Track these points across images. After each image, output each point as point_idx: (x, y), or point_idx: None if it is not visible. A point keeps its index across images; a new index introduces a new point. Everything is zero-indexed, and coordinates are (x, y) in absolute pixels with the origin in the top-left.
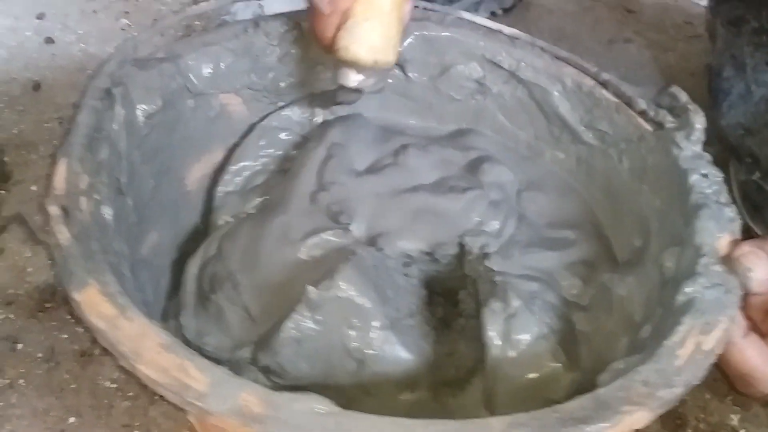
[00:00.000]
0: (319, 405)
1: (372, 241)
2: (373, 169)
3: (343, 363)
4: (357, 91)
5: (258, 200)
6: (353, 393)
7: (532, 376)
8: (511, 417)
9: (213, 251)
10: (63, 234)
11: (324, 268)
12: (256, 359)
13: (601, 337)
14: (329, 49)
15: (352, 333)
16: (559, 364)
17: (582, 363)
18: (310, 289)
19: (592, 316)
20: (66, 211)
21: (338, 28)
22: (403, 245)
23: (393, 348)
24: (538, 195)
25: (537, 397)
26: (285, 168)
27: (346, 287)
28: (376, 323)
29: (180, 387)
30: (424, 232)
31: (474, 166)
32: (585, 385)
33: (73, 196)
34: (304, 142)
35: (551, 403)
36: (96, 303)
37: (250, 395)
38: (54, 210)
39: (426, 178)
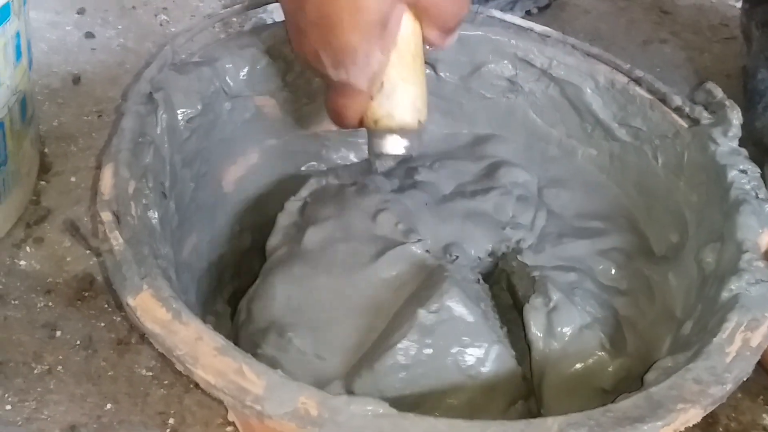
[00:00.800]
0: (376, 407)
1: (444, 252)
2: (401, 190)
3: (453, 383)
4: (396, 155)
5: (277, 255)
6: (464, 413)
7: (579, 366)
8: (567, 417)
9: (242, 318)
10: (116, 239)
11: (412, 288)
12: (351, 392)
13: (645, 321)
14: (362, 123)
15: (465, 351)
16: (605, 353)
17: (628, 349)
18: (422, 312)
19: (633, 301)
20: (117, 217)
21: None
22: (473, 250)
23: (506, 362)
24: (561, 191)
25: (585, 386)
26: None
27: (455, 306)
28: (485, 338)
29: (237, 390)
30: (482, 234)
31: (490, 171)
32: (632, 372)
33: (122, 201)
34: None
35: (600, 392)
36: (151, 308)
37: (308, 398)
38: (107, 215)
39: (445, 188)
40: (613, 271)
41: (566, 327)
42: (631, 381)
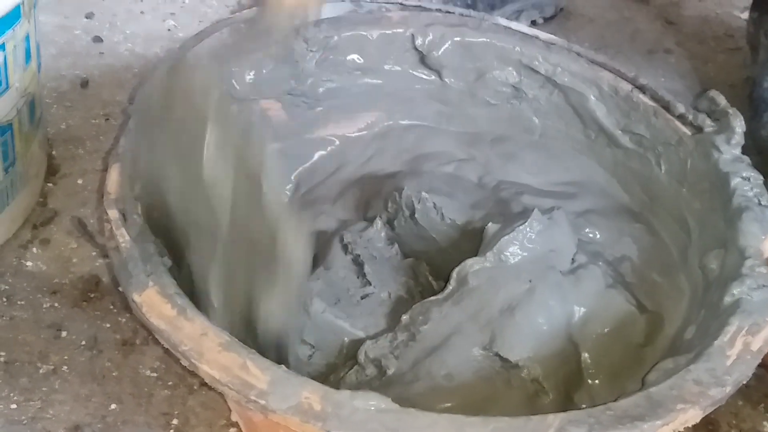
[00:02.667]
0: (379, 402)
1: None
2: None
3: None
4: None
5: None
6: None
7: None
8: (568, 414)
9: None
10: (123, 237)
11: None
12: None
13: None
14: None
15: None
16: (633, 307)
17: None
18: None
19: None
20: (124, 215)
21: None
22: None
23: None
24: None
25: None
26: None
27: None
28: None
29: (242, 385)
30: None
31: None
32: (660, 326)
33: (129, 200)
34: None
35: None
36: (156, 304)
37: (312, 393)
38: (113, 213)
39: None
40: (598, 235)
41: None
42: (661, 334)
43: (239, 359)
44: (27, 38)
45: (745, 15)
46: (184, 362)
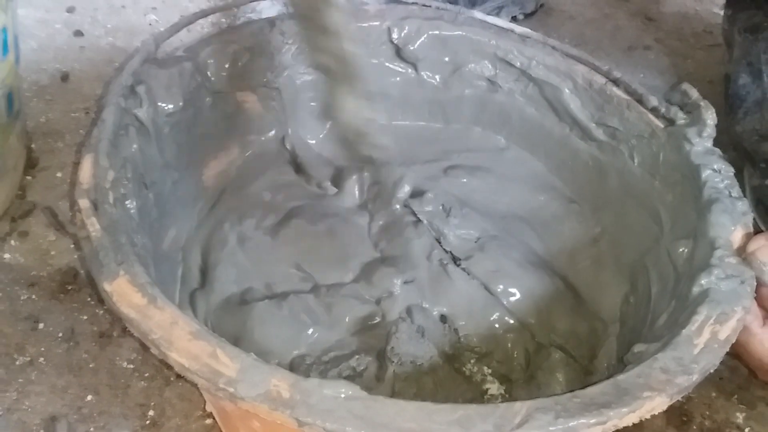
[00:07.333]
0: (347, 390)
1: None
2: None
3: None
4: None
5: None
6: None
7: None
8: (535, 401)
9: None
10: (93, 226)
11: None
12: None
13: None
14: None
15: None
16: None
17: None
18: None
19: None
20: (95, 205)
21: None
22: None
23: None
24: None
25: None
26: None
27: None
28: None
29: (211, 373)
30: None
31: None
32: None
33: (101, 190)
34: None
35: None
36: (127, 293)
37: (280, 381)
38: (84, 203)
39: None
40: None
41: None
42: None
43: (209, 347)
44: (4, 30)
45: (723, 11)
46: (154, 351)
